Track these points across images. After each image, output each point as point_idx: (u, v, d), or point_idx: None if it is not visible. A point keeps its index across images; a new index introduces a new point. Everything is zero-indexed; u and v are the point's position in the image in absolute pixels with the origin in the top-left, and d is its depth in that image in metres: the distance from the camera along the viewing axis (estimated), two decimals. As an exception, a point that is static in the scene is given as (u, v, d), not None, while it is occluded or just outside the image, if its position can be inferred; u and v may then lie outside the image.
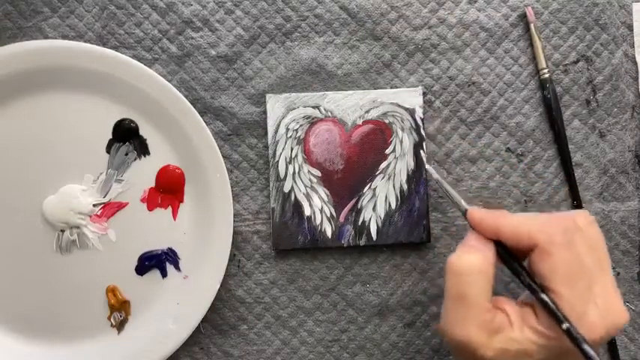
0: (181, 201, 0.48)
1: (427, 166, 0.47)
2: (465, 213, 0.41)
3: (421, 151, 0.48)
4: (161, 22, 0.49)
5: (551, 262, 0.36)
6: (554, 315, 0.35)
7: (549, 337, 0.35)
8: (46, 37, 0.48)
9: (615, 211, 0.50)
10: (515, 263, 0.38)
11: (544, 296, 0.36)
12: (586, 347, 0.34)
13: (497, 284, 0.48)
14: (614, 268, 0.49)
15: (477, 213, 0.40)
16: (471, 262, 0.37)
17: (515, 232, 0.37)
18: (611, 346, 0.49)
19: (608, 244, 0.49)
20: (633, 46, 0.50)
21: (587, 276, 0.36)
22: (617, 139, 0.50)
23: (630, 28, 0.51)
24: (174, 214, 0.48)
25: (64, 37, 0.48)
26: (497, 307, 0.37)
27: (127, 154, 0.48)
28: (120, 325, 0.48)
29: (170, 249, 0.48)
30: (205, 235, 0.48)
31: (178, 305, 0.48)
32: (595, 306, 0.35)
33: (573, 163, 0.49)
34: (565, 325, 0.34)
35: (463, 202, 0.42)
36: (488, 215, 0.39)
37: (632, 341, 0.50)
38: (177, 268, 0.48)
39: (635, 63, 0.50)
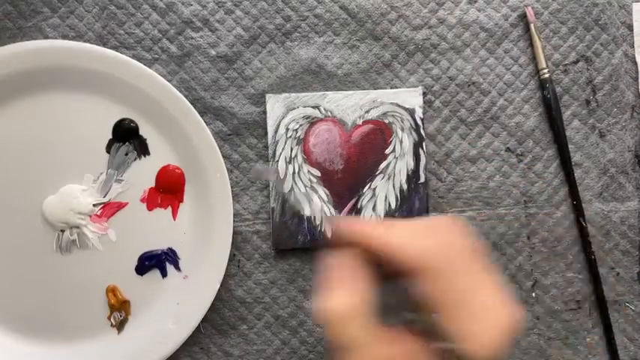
0: (181, 201, 0.48)
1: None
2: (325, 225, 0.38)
3: (421, 151, 0.48)
4: (161, 22, 0.49)
5: (428, 287, 0.32)
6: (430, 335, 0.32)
7: None
8: (46, 37, 0.48)
9: (615, 211, 0.50)
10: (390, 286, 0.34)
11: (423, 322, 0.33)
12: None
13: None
14: (612, 268, 0.50)
15: (341, 222, 0.35)
16: (345, 307, 0.32)
17: (390, 253, 0.33)
18: (611, 346, 0.49)
19: (608, 244, 0.49)
20: (633, 46, 0.50)
21: (464, 292, 0.32)
22: (617, 139, 0.50)
23: (630, 28, 0.51)
24: (174, 214, 0.48)
25: (64, 37, 0.48)
26: (397, 340, 0.34)
27: (127, 154, 0.48)
28: (120, 325, 0.48)
29: (170, 249, 0.48)
30: (205, 235, 0.48)
31: (178, 305, 0.48)
32: (481, 319, 0.32)
33: (573, 163, 0.49)
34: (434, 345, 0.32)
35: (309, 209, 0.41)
36: (356, 226, 0.34)
37: (632, 341, 0.50)
38: (177, 268, 0.48)
39: (635, 63, 0.50)
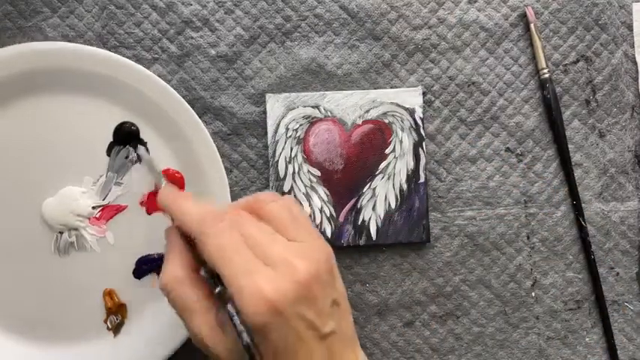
0: (181, 205, 0.48)
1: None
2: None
3: (421, 151, 0.48)
4: (161, 21, 0.48)
5: (207, 248, 0.35)
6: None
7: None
8: (46, 37, 0.48)
9: (615, 211, 0.50)
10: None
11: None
12: (229, 307, 0.33)
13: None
14: (612, 268, 0.50)
15: (163, 191, 0.42)
16: (167, 279, 0.37)
17: (181, 222, 0.38)
18: (610, 346, 0.49)
19: (607, 244, 0.49)
20: (633, 46, 0.51)
21: (253, 245, 0.34)
22: (617, 139, 0.50)
23: (630, 28, 0.51)
24: (173, 218, 0.48)
25: (64, 37, 0.48)
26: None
27: (127, 157, 0.48)
28: (116, 329, 0.48)
29: None
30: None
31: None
32: (271, 269, 0.33)
33: (573, 163, 0.49)
34: (217, 290, 0.35)
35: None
36: (163, 196, 0.41)
37: (631, 341, 0.50)
38: (175, 272, 0.48)
39: (635, 63, 0.50)
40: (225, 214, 0.36)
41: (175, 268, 0.37)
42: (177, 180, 0.48)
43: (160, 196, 0.41)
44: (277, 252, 0.34)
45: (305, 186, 0.48)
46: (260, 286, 0.32)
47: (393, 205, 0.48)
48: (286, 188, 0.48)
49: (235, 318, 0.33)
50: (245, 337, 0.33)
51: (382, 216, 0.48)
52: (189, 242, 0.38)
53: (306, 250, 0.35)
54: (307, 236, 0.36)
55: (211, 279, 0.36)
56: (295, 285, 0.32)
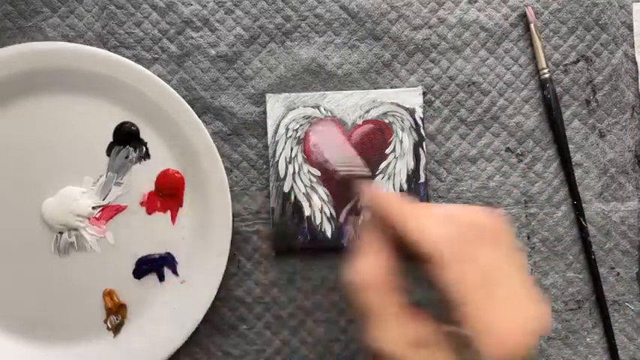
0: (180, 205, 0.48)
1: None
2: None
3: (421, 151, 0.48)
4: (161, 21, 0.48)
5: (447, 276, 0.32)
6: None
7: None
8: (46, 37, 0.48)
9: (615, 211, 0.50)
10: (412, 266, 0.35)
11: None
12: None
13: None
14: (612, 268, 0.50)
15: (374, 196, 0.37)
16: (365, 276, 0.34)
17: (414, 238, 0.33)
18: (611, 346, 0.49)
19: (608, 244, 0.49)
20: (633, 46, 0.51)
21: (492, 285, 0.32)
22: (617, 139, 0.50)
23: (630, 28, 0.51)
24: (173, 218, 0.48)
25: (64, 37, 0.48)
26: (416, 318, 0.34)
27: (127, 158, 0.48)
28: (116, 329, 0.48)
29: (168, 253, 0.48)
30: (203, 239, 0.48)
31: (175, 310, 0.47)
32: (504, 315, 0.31)
33: (573, 163, 0.49)
34: (451, 329, 0.32)
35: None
36: (386, 207, 0.35)
37: (632, 341, 0.50)
38: (174, 272, 0.48)
39: (635, 63, 0.50)
40: (467, 235, 0.33)
41: (377, 268, 0.34)
42: (176, 181, 0.48)
43: (385, 200, 0.36)
44: (504, 298, 0.32)
45: (305, 186, 0.48)
46: (504, 329, 0.31)
47: (393, 206, 0.48)
48: (286, 188, 0.48)
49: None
50: None
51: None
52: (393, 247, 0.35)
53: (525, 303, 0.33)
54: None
55: (429, 305, 0.33)
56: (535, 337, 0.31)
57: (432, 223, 0.33)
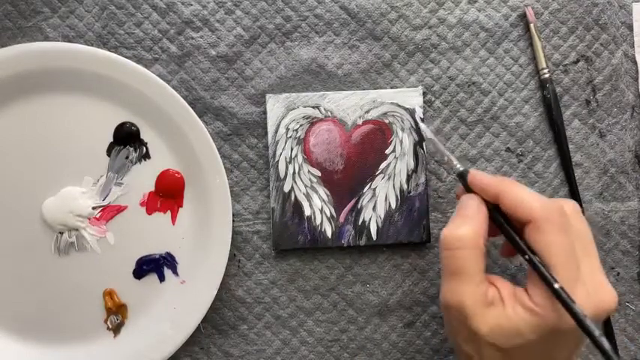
0: (180, 205, 0.48)
1: (421, 125, 0.48)
2: (462, 174, 0.41)
3: (421, 151, 0.48)
4: (161, 22, 0.49)
5: (546, 239, 0.36)
6: (544, 277, 0.35)
7: (540, 315, 0.35)
8: (46, 38, 0.48)
9: (615, 211, 0.50)
10: (510, 228, 0.39)
11: (535, 257, 0.36)
12: (576, 308, 0.34)
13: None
14: (613, 268, 0.50)
15: (479, 174, 0.40)
16: (465, 235, 0.38)
17: (516, 202, 0.38)
18: (612, 346, 0.49)
19: (608, 244, 0.49)
20: (633, 46, 0.51)
21: (576, 259, 0.36)
22: (617, 139, 0.50)
23: (630, 28, 0.51)
24: (173, 218, 0.48)
25: (64, 37, 0.48)
26: (491, 283, 0.38)
27: (127, 158, 0.48)
28: (116, 329, 0.48)
29: (168, 253, 0.48)
30: (204, 240, 0.48)
31: (175, 310, 0.47)
32: (583, 287, 0.36)
33: (573, 163, 0.49)
34: (557, 285, 0.35)
35: (457, 163, 0.42)
36: (492, 179, 0.40)
37: (632, 341, 0.50)
38: (175, 272, 0.48)
39: (635, 63, 0.50)
40: (562, 207, 0.38)
41: (473, 229, 0.38)
42: (176, 181, 0.48)
43: (481, 178, 0.40)
44: (588, 272, 0.37)
45: (305, 186, 0.48)
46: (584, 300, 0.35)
47: (393, 206, 0.48)
48: (286, 189, 0.48)
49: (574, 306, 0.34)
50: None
51: (382, 216, 0.48)
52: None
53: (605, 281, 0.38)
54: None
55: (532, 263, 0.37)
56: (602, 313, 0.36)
57: (529, 195, 0.38)
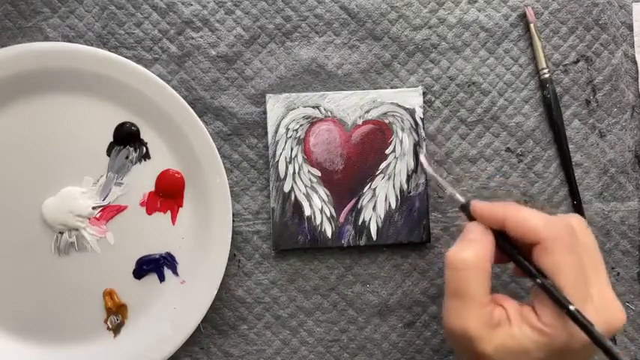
0: (180, 205, 0.48)
1: (421, 158, 0.48)
2: (464, 206, 0.41)
3: (421, 151, 0.48)
4: (161, 22, 0.49)
5: (554, 259, 0.36)
6: (556, 300, 0.35)
7: (549, 334, 0.35)
8: (47, 38, 0.48)
9: (615, 211, 0.50)
10: (516, 252, 0.39)
11: (546, 281, 0.36)
12: (594, 329, 0.34)
13: (498, 287, 0.49)
14: (613, 268, 0.50)
15: (481, 204, 0.40)
16: (469, 257, 0.37)
17: (522, 224, 0.38)
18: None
19: (608, 244, 0.49)
20: (633, 46, 0.51)
21: (585, 277, 0.36)
22: (617, 139, 0.50)
23: (630, 28, 0.51)
24: (173, 218, 0.48)
25: (64, 37, 0.48)
26: (496, 303, 0.38)
27: (127, 158, 0.48)
28: (116, 329, 0.48)
29: (168, 253, 0.48)
30: (204, 240, 0.48)
31: (175, 310, 0.47)
32: (593, 305, 0.36)
33: (573, 163, 0.49)
34: (572, 307, 0.35)
35: (459, 196, 0.42)
36: (495, 206, 0.40)
37: (632, 341, 0.50)
38: (175, 272, 0.48)
39: (635, 63, 0.50)
40: (569, 225, 0.38)
41: (477, 252, 0.38)
42: (176, 181, 0.48)
43: (483, 207, 0.40)
44: (597, 291, 0.37)
45: (305, 186, 0.48)
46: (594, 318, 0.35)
47: (393, 206, 0.48)
48: (286, 189, 0.48)
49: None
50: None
51: (382, 216, 0.48)
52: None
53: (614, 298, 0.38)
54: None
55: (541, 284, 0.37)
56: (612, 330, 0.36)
57: (534, 215, 0.38)
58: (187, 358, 0.49)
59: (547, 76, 0.49)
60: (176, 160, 0.48)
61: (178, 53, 0.49)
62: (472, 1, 0.50)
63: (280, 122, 0.48)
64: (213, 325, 0.49)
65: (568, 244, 0.36)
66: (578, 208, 0.49)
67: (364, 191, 0.48)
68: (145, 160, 0.48)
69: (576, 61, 0.50)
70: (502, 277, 0.49)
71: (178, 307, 0.48)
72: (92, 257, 0.48)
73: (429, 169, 0.46)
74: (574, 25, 0.50)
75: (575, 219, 0.39)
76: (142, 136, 0.48)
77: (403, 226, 0.48)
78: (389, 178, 0.48)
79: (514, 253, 0.39)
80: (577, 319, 0.34)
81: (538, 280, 0.37)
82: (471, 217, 0.41)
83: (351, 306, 0.49)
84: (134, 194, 0.48)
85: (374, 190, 0.48)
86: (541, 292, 0.37)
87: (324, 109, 0.49)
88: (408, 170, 0.48)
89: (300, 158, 0.48)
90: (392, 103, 0.49)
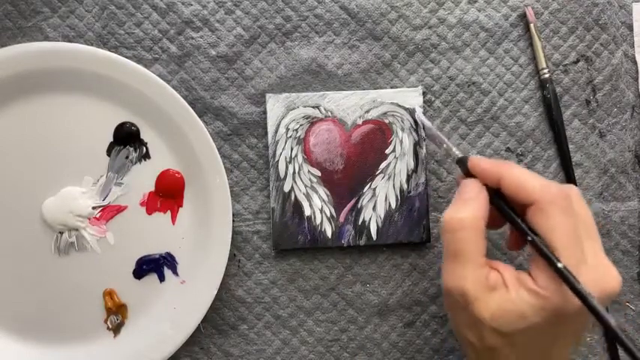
0: (180, 205, 0.48)
1: (418, 114, 0.48)
2: (461, 160, 0.41)
3: (421, 151, 0.48)
4: (161, 22, 0.49)
5: (549, 221, 0.36)
6: (547, 258, 0.35)
7: (544, 297, 0.35)
8: (47, 37, 0.48)
9: (615, 211, 0.50)
10: (511, 210, 0.38)
11: (538, 239, 0.36)
12: (581, 287, 0.34)
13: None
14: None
15: (479, 158, 0.40)
16: (466, 216, 0.37)
17: (518, 183, 0.37)
18: (611, 346, 0.49)
19: (608, 244, 0.49)
20: (633, 46, 0.51)
21: (580, 241, 0.36)
22: (617, 139, 0.50)
23: (630, 28, 0.51)
24: (173, 218, 0.48)
25: (64, 37, 0.48)
26: (492, 267, 0.38)
27: (127, 158, 0.48)
28: (116, 329, 0.48)
29: (168, 253, 0.48)
30: (204, 240, 0.48)
31: (175, 310, 0.47)
32: (587, 269, 0.35)
33: (573, 163, 0.49)
34: (560, 265, 0.34)
35: (456, 150, 0.42)
36: (492, 162, 0.39)
37: (632, 341, 0.49)
38: (174, 272, 0.48)
39: (635, 63, 0.50)
40: (564, 190, 0.37)
41: (473, 211, 0.38)
42: (176, 181, 0.48)
43: (481, 162, 0.40)
44: (592, 254, 0.36)
45: (305, 186, 0.48)
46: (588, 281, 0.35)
47: (393, 205, 0.48)
48: (286, 188, 0.48)
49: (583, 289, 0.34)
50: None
51: (382, 216, 0.48)
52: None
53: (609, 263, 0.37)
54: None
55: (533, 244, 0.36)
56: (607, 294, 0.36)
57: (531, 176, 0.38)
58: (187, 358, 0.49)
59: (547, 76, 0.49)
60: (176, 160, 0.48)
61: (178, 53, 0.49)
62: (472, 1, 0.50)
63: (280, 122, 0.48)
64: (213, 325, 0.49)
65: (563, 207, 0.36)
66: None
67: (364, 191, 0.48)
68: (144, 160, 0.48)
69: (576, 61, 0.50)
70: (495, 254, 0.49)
71: (178, 307, 0.48)
72: (92, 257, 0.48)
73: (427, 122, 0.46)
74: (574, 25, 0.50)
75: (572, 189, 0.38)
76: (142, 136, 0.48)
77: (403, 226, 0.48)
78: (389, 178, 0.48)
79: (508, 211, 0.38)
80: (565, 276, 0.34)
81: (529, 238, 0.36)
82: (467, 173, 0.41)
83: (351, 306, 0.49)
84: (134, 194, 0.48)
85: (374, 189, 0.48)
86: (535, 254, 0.36)
87: (324, 109, 0.49)
88: (408, 170, 0.48)
89: (300, 158, 0.48)
90: (392, 103, 0.49)
